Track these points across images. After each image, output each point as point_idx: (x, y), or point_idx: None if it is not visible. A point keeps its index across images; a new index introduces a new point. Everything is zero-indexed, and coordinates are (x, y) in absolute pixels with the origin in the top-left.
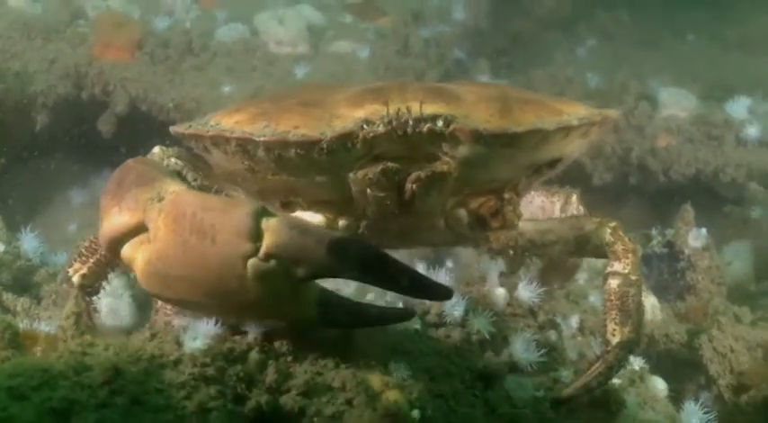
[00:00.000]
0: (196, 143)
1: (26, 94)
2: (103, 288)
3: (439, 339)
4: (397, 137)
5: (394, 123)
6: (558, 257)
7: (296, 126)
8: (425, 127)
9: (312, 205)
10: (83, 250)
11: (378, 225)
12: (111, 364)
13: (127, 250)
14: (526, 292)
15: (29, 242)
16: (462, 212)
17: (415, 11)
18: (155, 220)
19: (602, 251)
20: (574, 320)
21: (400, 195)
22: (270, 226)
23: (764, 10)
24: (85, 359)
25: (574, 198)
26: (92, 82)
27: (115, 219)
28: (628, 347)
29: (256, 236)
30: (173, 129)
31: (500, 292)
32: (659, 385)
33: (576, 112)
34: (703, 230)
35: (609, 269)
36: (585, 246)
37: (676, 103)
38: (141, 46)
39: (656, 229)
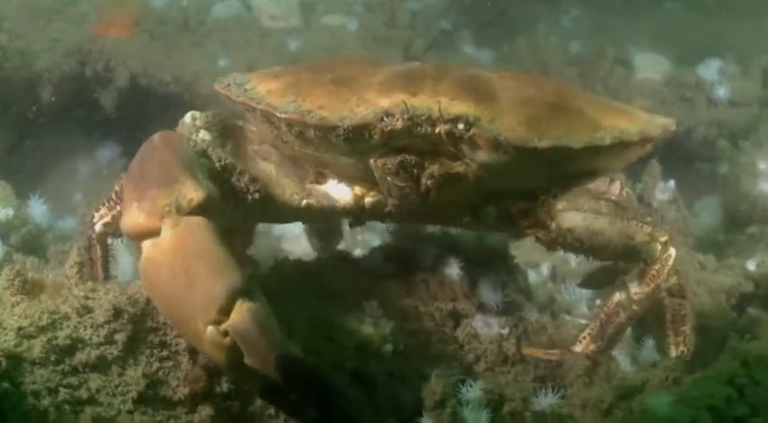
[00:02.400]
0: (231, 102)
1: (32, 72)
2: None
3: (411, 282)
4: (417, 133)
5: (413, 120)
6: (605, 260)
7: (320, 106)
8: (444, 129)
9: (343, 178)
10: (112, 196)
11: (405, 207)
12: (111, 305)
13: (141, 242)
14: (495, 238)
15: (36, 208)
16: (491, 209)
17: None
18: (165, 232)
19: (642, 265)
20: (545, 267)
21: (419, 188)
22: (241, 309)
23: None
24: (88, 302)
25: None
26: (94, 59)
27: (134, 216)
28: (583, 359)
29: (224, 311)
30: (215, 85)
31: (471, 239)
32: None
33: (616, 126)
34: (671, 183)
35: (627, 280)
36: (635, 257)
37: (650, 66)
38: (140, 23)
39: None
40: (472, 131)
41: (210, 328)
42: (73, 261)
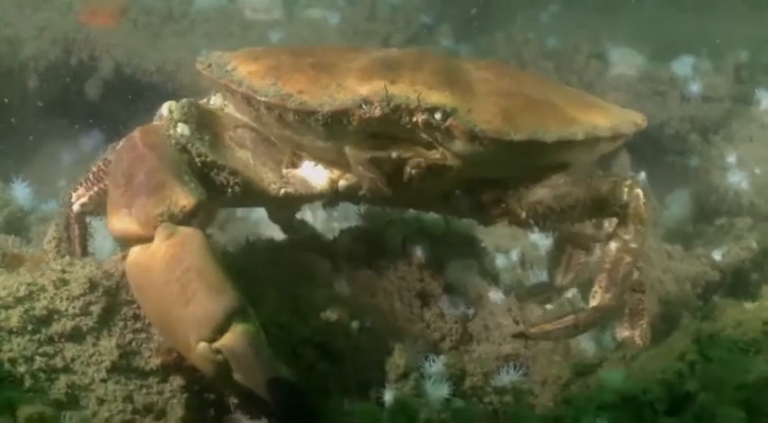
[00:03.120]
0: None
1: (18, 60)
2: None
3: (380, 262)
4: (394, 121)
5: (391, 108)
6: (579, 221)
7: (300, 90)
8: (421, 119)
9: (319, 161)
10: (90, 176)
11: (378, 192)
12: (87, 278)
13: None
14: (463, 222)
15: (20, 190)
16: (463, 197)
17: None
18: (159, 241)
19: (619, 212)
20: (515, 254)
21: (391, 178)
22: (236, 330)
23: None
24: (65, 276)
25: None
26: (79, 48)
27: (125, 222)
28: (602, 313)
29: (219, 330)
30: (196, 64)
31: (439, 222)
32: None
33: (589, 121)
34: (641, 175)
35: (614, 229)
36: (604, 207)
37: (625, 62)
38: (125, 13)
39: None
40: (449, 122)
41: (203, 344)
42: (51, 237)
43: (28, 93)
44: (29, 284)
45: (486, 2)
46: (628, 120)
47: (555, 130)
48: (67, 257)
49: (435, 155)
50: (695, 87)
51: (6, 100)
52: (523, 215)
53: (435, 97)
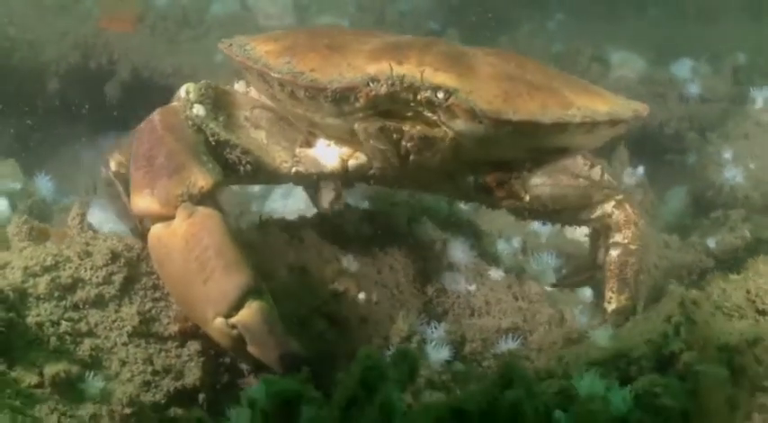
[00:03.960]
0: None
1: (39, 63)
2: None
3: (386, 240)
4: (399, 99)
5: (396, 87)
6: (564, 223)
7: (312, 69)
8: (424, 96)
9: (331, 138)
10: (126, 144)
11: (387, 170)
12: (109, 250)
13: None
14: (466, 205)
15: (43, 183)
16: (469, 179)
17: None
18: (180, 220)
19: (604, 221)
20: (516, 241)
21: (399, 152)
22: (251, 307)
23: None
24: (88, 247)
25: (598, 169)
26: (98, 52)
27: (147, 201)
28: (623, 314)
29: (235, 306)
30: (219, 44)
31: (442, 204)
32: (586, 293)
33: (588, 106)
34: (639, 169)
35: (611, 240)
36: (590, 215)
37: (626, 65)
38: (143, 19)
39: None
40: (451, 101)
41: (220, 319)
42: (75, 214)
43: (48, 94)
44: (55, 255)
45: (494, 9)
46: (628, 107)
47: (553, 112)
48: (91, 232)
49: (438, 132)
50: (694, 88)
51: (29, 101)
52: (527, 198)
53: (439, 77)
